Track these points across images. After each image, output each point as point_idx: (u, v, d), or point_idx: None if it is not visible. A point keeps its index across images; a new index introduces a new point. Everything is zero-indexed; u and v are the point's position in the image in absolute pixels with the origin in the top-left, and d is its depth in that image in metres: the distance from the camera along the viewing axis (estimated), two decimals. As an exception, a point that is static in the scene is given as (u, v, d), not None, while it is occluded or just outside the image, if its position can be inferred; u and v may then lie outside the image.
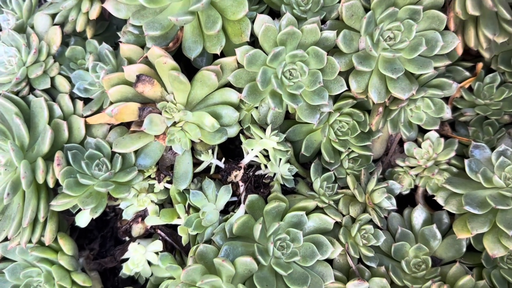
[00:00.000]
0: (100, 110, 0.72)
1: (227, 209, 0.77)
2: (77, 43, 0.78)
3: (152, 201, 0.76)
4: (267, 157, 0.75)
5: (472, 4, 0.60)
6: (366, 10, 0.66)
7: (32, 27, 0.78)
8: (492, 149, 0.72)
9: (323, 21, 0.71)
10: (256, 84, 0.63)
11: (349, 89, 0.68)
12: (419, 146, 0.76)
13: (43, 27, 0.77)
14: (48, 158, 0.71)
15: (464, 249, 0.71)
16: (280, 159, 0.73)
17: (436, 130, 0.76)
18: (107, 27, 0.83)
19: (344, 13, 0.65)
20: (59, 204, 0.69)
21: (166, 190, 0.77)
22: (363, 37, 0.65)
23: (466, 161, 0.70)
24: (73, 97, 0.74)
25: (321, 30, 0.67)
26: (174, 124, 0.69)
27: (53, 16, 0.77)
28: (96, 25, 0.76)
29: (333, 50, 0.67)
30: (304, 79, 0.65)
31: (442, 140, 0.74)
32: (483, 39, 0.64)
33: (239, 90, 0.69)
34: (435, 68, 0.66)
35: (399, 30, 0.65)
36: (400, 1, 0.65)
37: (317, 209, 0.72)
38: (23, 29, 0.78)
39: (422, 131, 0.78)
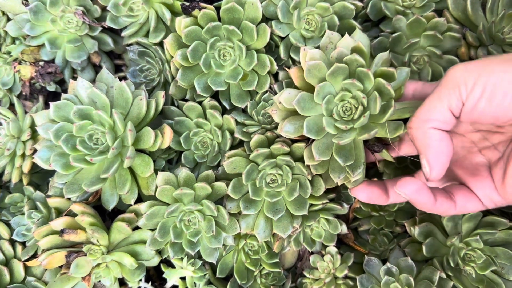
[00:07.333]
0: (35, 254, 0.82)
1: (158, 327, 0.86)
2: (16, 187, 0.88)
3: (90, 324, 0.86)
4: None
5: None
6: (247, 157, 0.75)
7: (-24, 178, 0.88)
8: (384, 261, 0.81)
9: (219, 165, 0.81)
10: (156, 238, 0.73)
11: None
12: (323, 257, 0.86)
13: (-15, 177, 0.87)
14: (-6, 296, 0.81)
15: None
16: (200, 283, 0.83)
17: (338, 240, 0.85)
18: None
19: (226, 168, 0.74)
20: None
21: (103, 313, 0.86)
22: (246, 183, 0.74)
23: (358, 278, 0.79)
24: (13, 241, 0.84)
25: (216, 178, 0.77)
26: (98, 265, 0.79)
27: (-6, 167, 0.87)
28: (31, 174, 0.86)
29: (228, 194, 0.76)
30: (202, 225, 0.75)
31: (339, 256, 0.84)
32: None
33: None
34: (312, 205, 0.75)
35: (280, 174, 0.74)
36: (275, 152, 0.74)
37: (231, 327, 0.81)
38: (-31, 178, 0.89)
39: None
